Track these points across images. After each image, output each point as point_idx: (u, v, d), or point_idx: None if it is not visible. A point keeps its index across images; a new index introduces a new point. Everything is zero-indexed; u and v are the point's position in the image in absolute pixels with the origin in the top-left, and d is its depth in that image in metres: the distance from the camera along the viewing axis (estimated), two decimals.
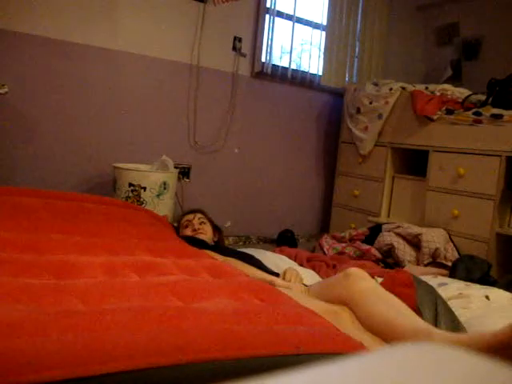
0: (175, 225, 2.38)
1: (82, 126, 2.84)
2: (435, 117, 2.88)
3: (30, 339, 0.79)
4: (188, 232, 2.22)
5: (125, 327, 0.90)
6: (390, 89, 3.18)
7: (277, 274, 1.85)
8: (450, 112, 2.83)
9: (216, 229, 2.36)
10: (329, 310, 1.29)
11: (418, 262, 2.65)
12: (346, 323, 1.25)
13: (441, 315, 1.44)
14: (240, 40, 3.30)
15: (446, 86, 3.16)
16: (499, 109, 2.62)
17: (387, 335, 1.20)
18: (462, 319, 1.51)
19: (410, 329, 1.16)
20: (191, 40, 3.13)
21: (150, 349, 0.80)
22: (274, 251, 2.56)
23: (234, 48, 3.29)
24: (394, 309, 1.28)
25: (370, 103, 3.27)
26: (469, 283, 1.95)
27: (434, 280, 1.98)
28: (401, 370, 0.26)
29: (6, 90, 2.32)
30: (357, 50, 3.74)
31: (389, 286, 1.50)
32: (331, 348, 0.92)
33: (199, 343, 0.84)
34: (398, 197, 3.20)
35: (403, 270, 1.79)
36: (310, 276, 2.09)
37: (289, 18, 3.49)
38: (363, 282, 1.40)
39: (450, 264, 2.47)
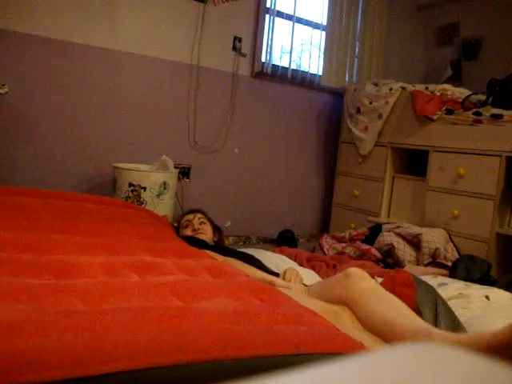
0: (175, 225, 2.38)
1: (81, 126, 2.84)
2: (435, 117, 2.88)
3: (29, 339, 0.79)
4: (188, 232, 2.22)
5: (125, 327, 0.90)
6: (390, 89, 3.18)
7: (277, 274, 1.85)
8: (449, 112, 2.83)
9: (216, 229, 2.36)
10: (329, 310, 1.29)
11: (418, 262, 2.65)
12: (345, 323, 1.25)
13: (441, 315, 1.44)
14: (240, 40, 3.30)
15: (445, 86, 3.16)
16: (499, 109, 2.62)
17: (387, 335, 1.20)
18: (462, 319, 1.51)
19: (409, 329, 1.16)
20: (191, 40, 3.13)
21: (150, 349, 0.80)
22: (274, 251, 2.56)
23: (234, 48, 3.29)
24: (393, 309, 1.28)
25: (370, 103, 3.27)
26: (469, 283, 1.95)
27: (434, 280, 1.98)
28: (401, 370, 0.26)
29: (6, 90, 2.32)
30: (357, 49, 3.74)
31: (389, 286, 1.50)
32: (331, 348, 0.92)
33: (199, 343, 0.84)
34: (398, 197, 3.20)
35: (403, 270, 1.79)
36: (309, 276, 2.09)
37: (289, 18, 3.49)
38: (363, 282, 1.40)
39: (450, 264, 2.47)
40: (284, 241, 3.35)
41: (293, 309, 1.15)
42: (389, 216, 3.23)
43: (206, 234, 2.23)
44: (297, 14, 3.51)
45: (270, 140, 3.55)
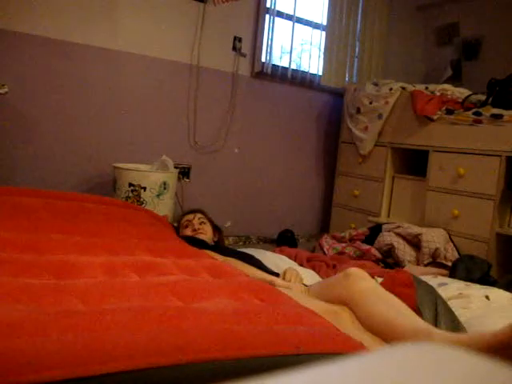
0: (175, 225, 2.38)
1: (81, 126, 2.84)
2: (435, 117, 2.88)
3: (29, 339, 0.79)
4: (188, 232, 2.22)
5: (125, 327, 0.90)
6: (390, 89, 3.18)
7: (277, 274, 1.85)
8: (449, 112, 2.83)
9: (216, 229, 2.36)
10: (329, 310, 1.29)
11: (418, 262, 2.65)
12: (346, 323, 1.25)
13: (441, 315, 1.45)
14: (240, 40, 3.30)
15: (445, 86, 3.16)
16: (499, 109, 2.62)
17: (387, 335, 1.20)
18: (462, 319, 1.51)
19: (409, 329, 1.16)
20: (191, 40, 3.13)
21: (150, 349, 0.80)
22: (274, 251, 2.56)
23: (234, 48, 3.29)
24: (394, 309, 1.28)
25: (370, 103, 3.27)
26: (469, 283, 1.95)
27: (434, 280, 1.98)
28: (401, 370, 0.26)
29: (6, 90, 2.32)
30: (357, 49, 3.74)
31: (389, 285, 1.50)
32: (331, 348, 0.92)
33: (199, 343, 0.84)
34: (398, 197, 3.20)
35: (403, 270, 1.79)
36: (310, 276, 2.09)
37: (289, 18, 3.49)
38: (363, 282, 1.40)
39: (450, 264, 2.47)
40: (284, 241, 3.35)
41: (293, 309, 1.15)
42: (389, 216, 3.23)
43: (206, 234, 2.23)
44: (297, 14, 3.51)
45: (270, 140, 3.55)
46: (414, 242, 2.71)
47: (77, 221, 1.86)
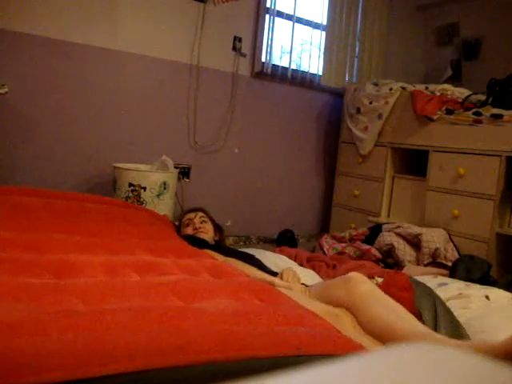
0: (176, 223, 2.38)
1: (81, 126, 2.84)
2: (435, 117, 2.88)
3: (30, 339, 0.79)
4: (189, 231, 2.22)
5: (125, 327, 0.90)
6: (390, 89, 3.18)
7: (277, 274, 1.85)
8: (449, 112, 2.83)
9: (217, 228, 2.36)
10: (330, 312, 1.29)
11: (418, 262, 2.65)
12: (346, 326, 1.25)
13: (440, 316, 1.45)
14: (240, 40, 3.30)
15: (446, 86, 3.16)
16: (499, 109, 2.62)
17: (387, 339, 1.20)
18: (461, 319, 1.51)
19: (409, 333, 1.16)
20: (191, 40, 3.13)
21: (150, 349, 0.79)
22: (274, 251, 2.56)
23: (234, 48, 3.29)
24: (393, 313, 1.28)
25: (370, 103, 3.27)
26: (469, 283, 1.95)
27: (434, 280, 1.98)
28: (400, 370, 0.26)
29: (6, 90, 2.32)
30: (357, 49, 3.74)
31: (388, 288, 1.50)
32: (332, 350, 0.92)
33: (200, 344, 0.84)
34: (398, 197, 3.20)
35: (401, 273, 1.79)
36: (309, 276, 2.09)
37: (289, 17, 3.49)
38: (363, 286, 1.40)
39: (450, 264, 2.47)
40: (284, 241, 3.35)
41: (293, 310, 1.15)
42: (389, 216, 3.23)
43: (207, 232, 2.23)
44: (297, 14, 3.51)
45: (270, 140, 3.55)
46: (414, 242, 2.71)
47: (77, 221, 1.86)
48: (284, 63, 3.60)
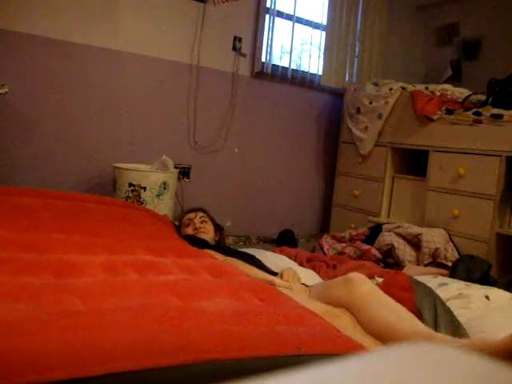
0: (176, 223, 2.38)
1: (81, 126, 2.84)
2: (435, 117, 2.88)
3: (30, 339, 0.79)
4: (189, 231, 2.22)
5: (125, 327, 0.90)
6: (390, 89, 3.18)
7: (277, 275, 1.85)
8: (449, 112, 2.83)
9: (218, 228, 2.36)
10: (330, 312, 1.29)
11: (418, 262, 2.65)
12: (347, 326, 1.25)
13: (440, 316, 1.45)
14: (240, 40, 3.30)
15: (446, 86, 3.16)
16: (499, 109, 2.62)
17: (388, 339, 1.20)
18: (462, 319, 1.51)
19: (410, 333, 1.16)
20: (191, 40, 3.13)
21: (150, 349, 0.80)
22: (274, 251, 2.56)
23: (234, 48, 3.29)
24: (394, 313, 1.28)
25: (370, 103, 3.27)
26: (469, 283, 1.95)
27: (435, 280, 1.98)
28: (400, 370, 0.26)
29: (6, 90, 2.32)
30: (357, 49, 3.74)
31: (388, 288, 1.50)
32: (332, 349, 0.92)
33: (200, 344, 0.84)
34: (398, 197, 3.20)
35: (401, 273, 1.79)
36: (310, 276, 2.09)
37: (289, 17, 3.49)
38: (364, 286, 1.40)
39: (450, 264, 2.47)
40: (284, 241, 3.34)
41: (293, 309, 1.15)
42: (389, 216, 3.23)
43: (208, 232, 2.23)
44: (297, 14, 3.51)
45: (270, 140, 3.55)
46: (414, 242, 2.71)
47: (77, 221, 1.86)
48: (284, 63, 3.60)
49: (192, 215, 2.29)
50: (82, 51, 2.78)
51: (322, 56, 3.63)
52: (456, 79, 3.77)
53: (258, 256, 2.07)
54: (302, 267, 2.26)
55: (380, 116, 3.21)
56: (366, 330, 1.28)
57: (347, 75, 3.70)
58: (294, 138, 3.65)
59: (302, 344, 0.89)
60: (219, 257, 1.82)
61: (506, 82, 2.72)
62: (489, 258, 2.50)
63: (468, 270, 2.24)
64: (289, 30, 3.50)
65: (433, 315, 1.44)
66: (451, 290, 1.80)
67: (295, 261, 2.40)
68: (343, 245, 2.88)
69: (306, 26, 3.64)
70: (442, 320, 1.43)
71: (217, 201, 3.31)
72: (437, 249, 2.58)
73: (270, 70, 3.39)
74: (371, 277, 1.78)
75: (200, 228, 2.22)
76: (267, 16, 3.39)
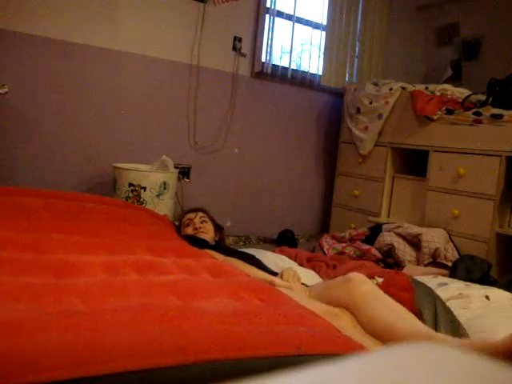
0: (176, 223, 2.38)
1: (81, 126, 2.84)
2: (435, 117, 2.88)
3: (30, 339, 0.79)
4: (189, 231, 2.22)
5: (125, 327, 0.90)
6: (390, 89, 3.18)
7: (277, 275, 1.85)
8: (449, 112, 2.83)
9: (218, 228, 2.36)
10: (330, 313, 1.29)
11: (418, 262, 2.65)
12: (347, 326, 1.25)
13: (440, 316, 1.45)
14: (240, 40, 3.30)
15: (446, 86, 3.16)
16: (499, 109, 2.62)
17: (388, 339, 1.20)
18: (461, 319, 1.51)
19: (410, 332, 1.16)
20: (191, 40, 3.13)
21: (150, 349, 0.80)
22: (274, 251, 2.56)
23: (234, 48, 3.29)
24: (394, 313, 1.28)
25: (370, 103, 3.27)
26: (469, 283, 1.95)
27: (435, 280, 1.98)
28: (400, 370, 0.26)
29: (6, 90, 2.32)
30: (357, 49, 3.74)
31: (388, 288, 1.50)
32: (332, 349, 0.92)
33: (200, 344, 0.84)
34: (398, 197, 3.20)
35: (401, 273, 1.79)
36: (310, 276, 2.09)
37: (289, 17, 3.49)
38: (364, 286, 1.40)
39: (450, 264, 2.47)
40: (284, 241, 3.34)
41: (293, 309, 1.15)
42: (389, 216, 3.23)
43: (208, 233, 2.23)
44: (297, 14, 3.51)
45: (270, 140, 3.55)
46: (414, 242, 2.71)
47: (77, 221, 1.86)
48: (284, 63, 3.60)
49: (192, 215, 2.29)
50: (82, 51, 2.78)
51: (321, 56, 3.63)
52: (456, 79, 3.77)
53: (258, 256, 2.07)
54: (301, 267, 2.26)
55: (380, 116, 3.21)
56: (366, 330, 1.28)
57: (347, 75, 3.70)
58: (294, 138, 3.65)
59: (302, 344, 0.89)
60: (219, 257, 1.82)
61: (506, 81, 2.72)
62: (489, 258, 2.50)
63: (468, 269, 2.24)
64: (289, 30, 3.50)
65: (433, 315, 1.44)
66: (451, 290, 1.80)
67: (295, 261, 2.40)
68: (343, 245, 2.88)
69: (306, 26, 3.64)
70: (442, 320, 1.43)
71: (217, 201, 3.31)
72: (437, 249, 2.58)
73: (270, 70, 3.39)
74: (371, 277, 1.78)
75: (200, 228, 2.22)
76: (267, 16, 3.39)
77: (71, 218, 1.87)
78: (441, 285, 1.89)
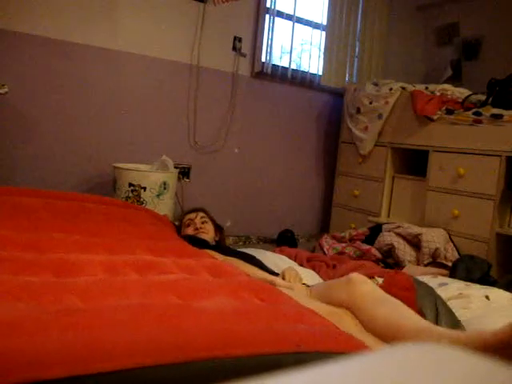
0: (177, 224, 2.38)
1: (81, 126, 2.84)
2: (435, 117, 2.88)
3: (30, 338, 0.79)
4: (190, 231, 2.22)
5: (125, 326, 0.90)
6: (390, 89, 3.18)
7: (277, 275, 1.85)
8: (449, 112, 2.83)
9: (218, 228, 2.36)
10: (332, 312, 1.29)
11: (418, 262, 2.65)
12: (349, 325, 1.25)
13: (441, 316, 1.45)
14: (240, 40, 3.30)
15: (446, 86, 3.16)
16: (499, 109, 2.62)
17: (390, 337, 1.20)
18: (462, 319, 1.51)
19: (413, 329, 1.16)
20: (191, 40, 3.13)
21: (150, 348, 0.80)
22: (274, 251, 2.56)
23: (234, 48, 3.29)
24: (396, 311, 1.28)
25: (370, 103, 3.27)
26: (469, 283, 1.95)
27: (435, 280, 1.98)
28: (401, 370, 0.26)
29: (6, 90, 2.32)
30: (357, 49, 3.74)
31: (389, 288, 1.50)
32: (332, 347, 0.92)
33: (199, 342, 0.84)
34: (398, 197, 3.20)
35: (402, 272, 1.80)
36: (310, 276, 2.09)
37: (289, 17, 3.49)
38: (365, 286, 1.40)
39: (450, 264, 2.47)
40: (284, 241, 3.34)
41: (293, 308, 1.15)
42: (389, 216, 3.23)
43: (208, 233, 2.23)
44: (297, 14, 3.51)
45: (270, 140, 3.55)
46: (414, 242, 2.71)
47: (77, 221, 1.86)
48: (284, 63, 3.60)
49: (193, 215, 2.29)
50: (82, 51, 2.78)
51: (321, 56, 3.63)
52: (456, 79, 3.77)
53: (258, 256, 2.07)
54: (301, 267, 2.26)
55: (380, 116, 3.21)
56: (367, 329, 1.28)
57: (347, 75, 3.70)
58: (294, 138, 3.65)
59: (301, 341, 0.89)
60: (219, 257, 1.82)
61: (506, 81, 2.72)
62: (489, 258, 2.50)
63: (468, 269, 2.24)
64: (289, 30, 3.50)
65: (434, 315, 1.44)
66: (451, 290, 1.80)
67: (295, 261, 2.40)
68: (343, 245, 2.88)
69: (306, 26, 3.64)
70: (443, 320, 1.43)
71: (217, 201, 3.31)
72: (437, 249, 2.58)
73: (270, 70, 3.39)
74: (371, 277, 1.78)
75: (201, 228, 2.22)
76: (267, 16, 3.39)
77: (71, 218, 1.87)
78: (441, 285, 1.89)
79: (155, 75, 3.03)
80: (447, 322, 1.43)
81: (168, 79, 3.08)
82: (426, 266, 2.58)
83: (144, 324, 0.92)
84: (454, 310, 1.55)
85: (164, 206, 2.63)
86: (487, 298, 1.71)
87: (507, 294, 1.76)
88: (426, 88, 3.14)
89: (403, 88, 3.15)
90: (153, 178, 2.60)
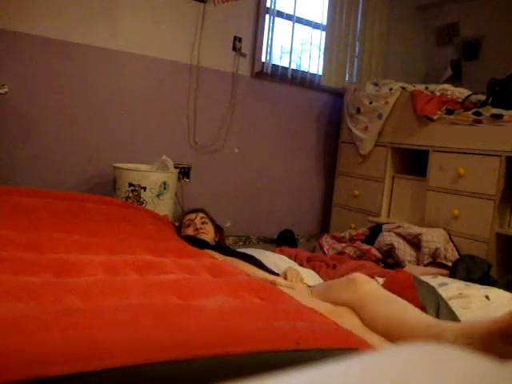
0: (177, 224, 2.38)
1: (81, 126, 2.84)
2: (435, 117, 2.88)
3: (30, 338, 0.79)
4: (190, 231, 2.22)
5: (124, 325, 0.90)
6: (390, 89, 3.18)
7: (277, 275, 1.85)
8: (449, 112, 2.83)
9: (218, 229, 2.36)
10: (334, 312, 1.29)
11: (418, 262, 2.65)
12: (352, 324, 1.25)
13: (443, 315, 1.45)
14: (240, 40, 3.30)
15: (446, 86, 3.16)
16: (499, 109, 2.62)
17: (395, 333, 1.19)
18: (462, 319, 1.51)
19: (417, 324, 1.16)
20: (191, 40, 3.13)
21: (149, 346, 0.80)
22: (274, 251, 2.56)
23: (234, 48, 3.29)
24: (400, 308, 1.28)
25: (370, 103, 3.27)
26: (469, 283, 1.95)
27: (435, 280, 1.98)
28: (401, 370, 0.26)
29: (6, 90, 2.32)
30: (357, 49, 3.74)
31: (390, 287, 1.50)
32: (332, 344, 0.92)
33: (199, 340, 0.84)
34: (398, 197, 3.20)
35: (403, 271, 1.79)
36: (310, 276, 2.09)
37: (289, 17, 3.49)
38: (367, 285, 1.40)
39: (450, 264, 2.47)
40: (284, 241, 3.34)
41: (293, 306, 1.16)
42: (389, 216, 3.23)
43: (208, 233, 2.24)
44: (297, 14, 3.51)
45: (270, 140, 3.55)
46: (414, 242, 2.71)
47: (77, 221, 1.86)
48: (284, 63, 3.60)
49: (193, 216, 2.29)
50: (82, 51, 2.78)
51: (322, 56, 3.63)
52: (456, 79, 3.77)
53: (257, 256, 2.07)
54: (302, 267, 2.26)
55: (380, 116, 3.21)
56: (370, 327, 1.28)
57: (347, 75, 3.70)
58: (294, 138, 3.65)
59: (301, 339, 0.90)
60: (219, 257, 1.82)
61: (506, 81, 2.72)
62: (489, 258, 2.50)
63: (468, 270, 2.24)
64: (289, 30, 3.50)
65: (435, 314, 1.44)
66: (451, 290, 1.80)
67: (295, 261, 2.40)
68: (343, 245, 2.88)
69: (306, 26, 3.64)
70: (444, 319, 1.43)
71: (217, 201, 3.31)
72: (437, 249, 2.58)
73: (270, 70, 3.39)
74: (371, 277, 1.78)
75: (201, 229, 2.22)
76: (267, 16, 3.39)
77: (71, 218, 1.87)
78: (441, 285, 1.89)
79: (155, 75, 3.03)
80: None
81: (168, 79, 3.08)
82: (426, 266, 2.58)
83: (143, 323, 0.92)
84: (454, 310, 1.55)
85: (164, 206, 2.62)
86: (487, 298, 1.71)
87: (507, 294, 1.76)
88: (426, 88, 3.14)
89: (403, 88, 3.15)
90: (153, 178, 2.60)
